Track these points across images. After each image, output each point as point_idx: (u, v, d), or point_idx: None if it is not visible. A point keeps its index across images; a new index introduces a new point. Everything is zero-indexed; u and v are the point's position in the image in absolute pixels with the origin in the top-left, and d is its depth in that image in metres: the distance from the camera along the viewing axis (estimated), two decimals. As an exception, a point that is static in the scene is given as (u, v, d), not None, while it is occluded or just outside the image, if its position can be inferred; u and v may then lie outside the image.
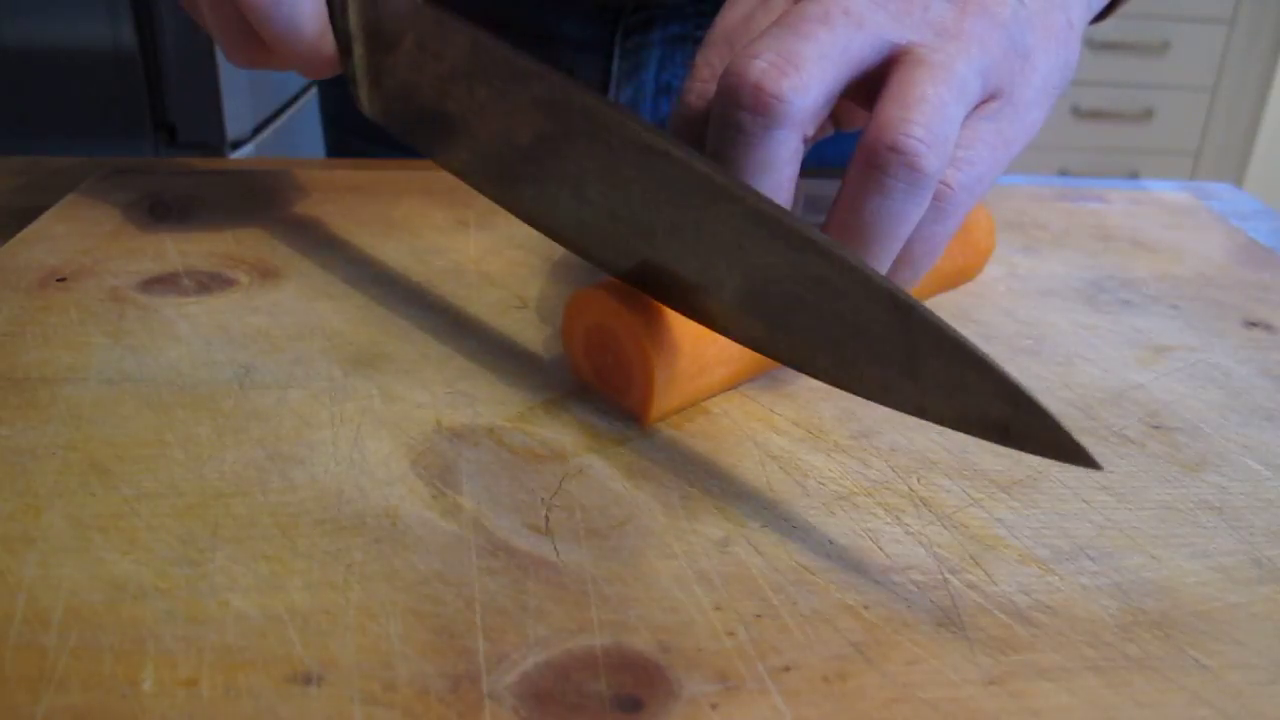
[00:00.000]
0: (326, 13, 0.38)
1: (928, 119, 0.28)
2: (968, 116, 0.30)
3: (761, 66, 0.28)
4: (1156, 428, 0.34)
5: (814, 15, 0.29)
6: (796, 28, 0.29)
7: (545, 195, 0.32)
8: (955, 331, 0.25)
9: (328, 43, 0.38)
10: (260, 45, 0.39)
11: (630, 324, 0.31)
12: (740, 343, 0.30)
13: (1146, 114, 2.18)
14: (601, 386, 0.33)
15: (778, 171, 0.29)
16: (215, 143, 1.07)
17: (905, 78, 0.29)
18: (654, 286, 0.31)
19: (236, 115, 1.08)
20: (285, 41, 0.37)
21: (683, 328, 0.31)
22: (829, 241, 0.27)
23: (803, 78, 0.28)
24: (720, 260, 0.29)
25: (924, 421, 0.26)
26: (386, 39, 0.36)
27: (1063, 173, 2.14)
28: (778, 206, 0.27)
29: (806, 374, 0.28)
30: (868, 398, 0.27)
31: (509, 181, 0.34)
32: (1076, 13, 0.34)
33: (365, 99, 0.38)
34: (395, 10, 0.36)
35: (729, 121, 0.29)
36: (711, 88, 0.31)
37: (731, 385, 0.34)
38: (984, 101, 0.31)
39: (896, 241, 0.29)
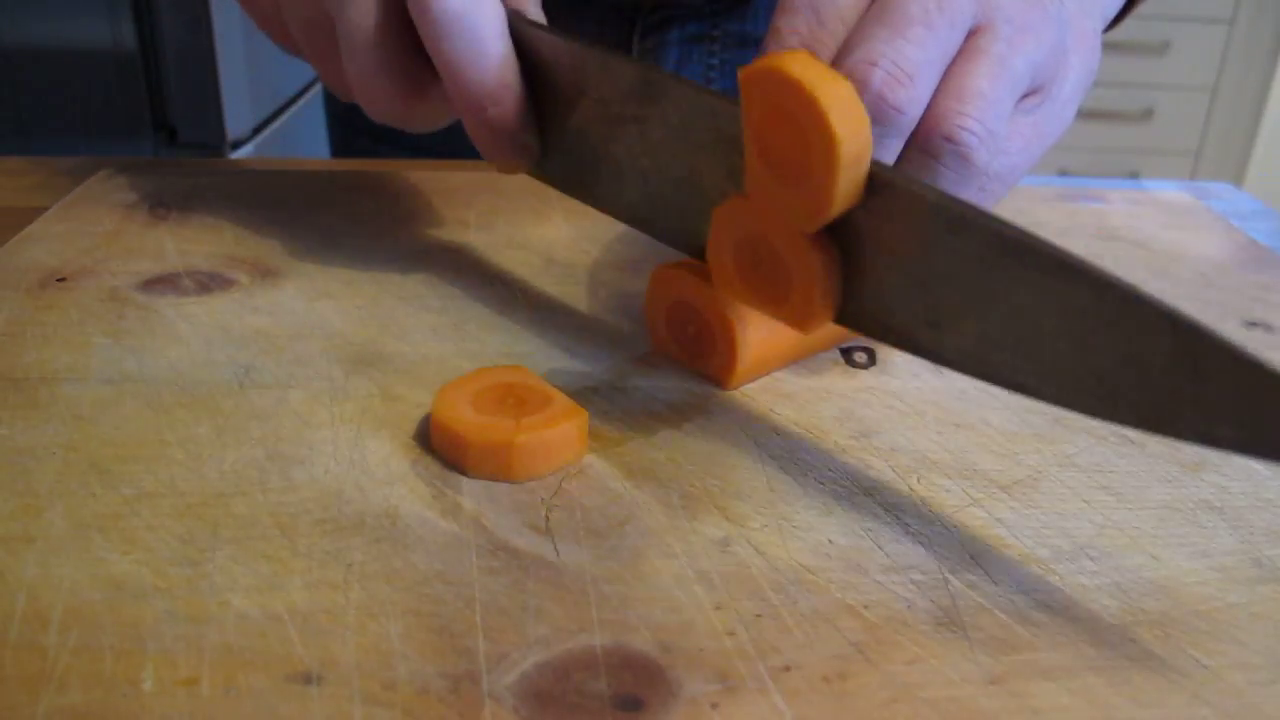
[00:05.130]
0: (508, 31, 0.34)
1: (983, 114, 0.29)
2: None
3: (882, 76, 0.28)
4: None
5: (916, 16, 0.29)
6: (904, 31, 0.29)
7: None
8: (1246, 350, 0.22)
9: (512, 68, 0.34)
10: (419, 83, 0.35)
11: (714, 299, 0.33)
12: (973, 376, 0.27)
13: (1146, 114, 2.18)
14: (679, 354, 0.35)
15: None
16: (215, 143, 1.07)
17: (966, 69, 0.29)
18: (866, 323, 0.29)
19: (236, 115, 1.08)
20: (466, 61, 0.33)
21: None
22: (1091, 265, 0.24)
23: (918, 88, 0.29)
24: (958, 296, 0.26)
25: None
26: (545, 82, 0.35)
27: (1063, 173, 2.13)
28: (1023, 231, 0.25)
29: (1059, 406, 0.25)
30: (1138, 428, 0.24)
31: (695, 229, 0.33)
32: (1098, 21, 0.35)
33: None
34: (551, 52, 0.34)
35: None
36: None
37: (807, 355, 0.36)
38: (1026, 95, 0.31)
39: None
